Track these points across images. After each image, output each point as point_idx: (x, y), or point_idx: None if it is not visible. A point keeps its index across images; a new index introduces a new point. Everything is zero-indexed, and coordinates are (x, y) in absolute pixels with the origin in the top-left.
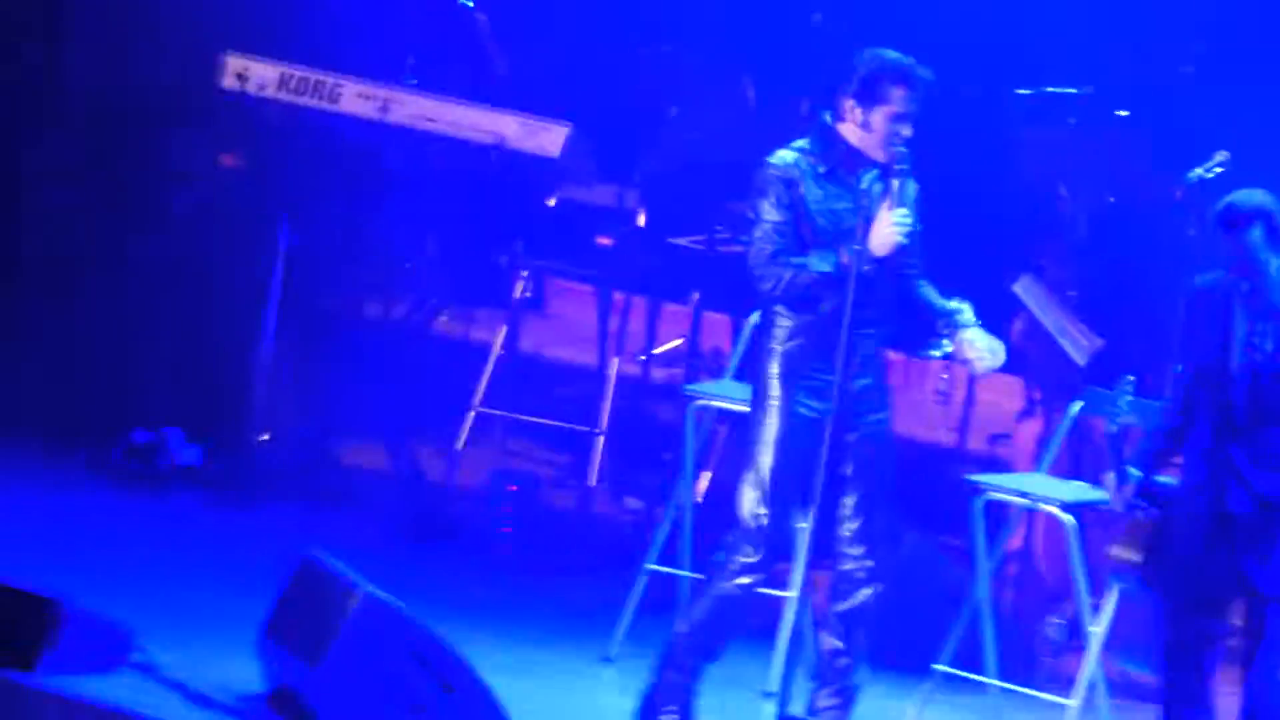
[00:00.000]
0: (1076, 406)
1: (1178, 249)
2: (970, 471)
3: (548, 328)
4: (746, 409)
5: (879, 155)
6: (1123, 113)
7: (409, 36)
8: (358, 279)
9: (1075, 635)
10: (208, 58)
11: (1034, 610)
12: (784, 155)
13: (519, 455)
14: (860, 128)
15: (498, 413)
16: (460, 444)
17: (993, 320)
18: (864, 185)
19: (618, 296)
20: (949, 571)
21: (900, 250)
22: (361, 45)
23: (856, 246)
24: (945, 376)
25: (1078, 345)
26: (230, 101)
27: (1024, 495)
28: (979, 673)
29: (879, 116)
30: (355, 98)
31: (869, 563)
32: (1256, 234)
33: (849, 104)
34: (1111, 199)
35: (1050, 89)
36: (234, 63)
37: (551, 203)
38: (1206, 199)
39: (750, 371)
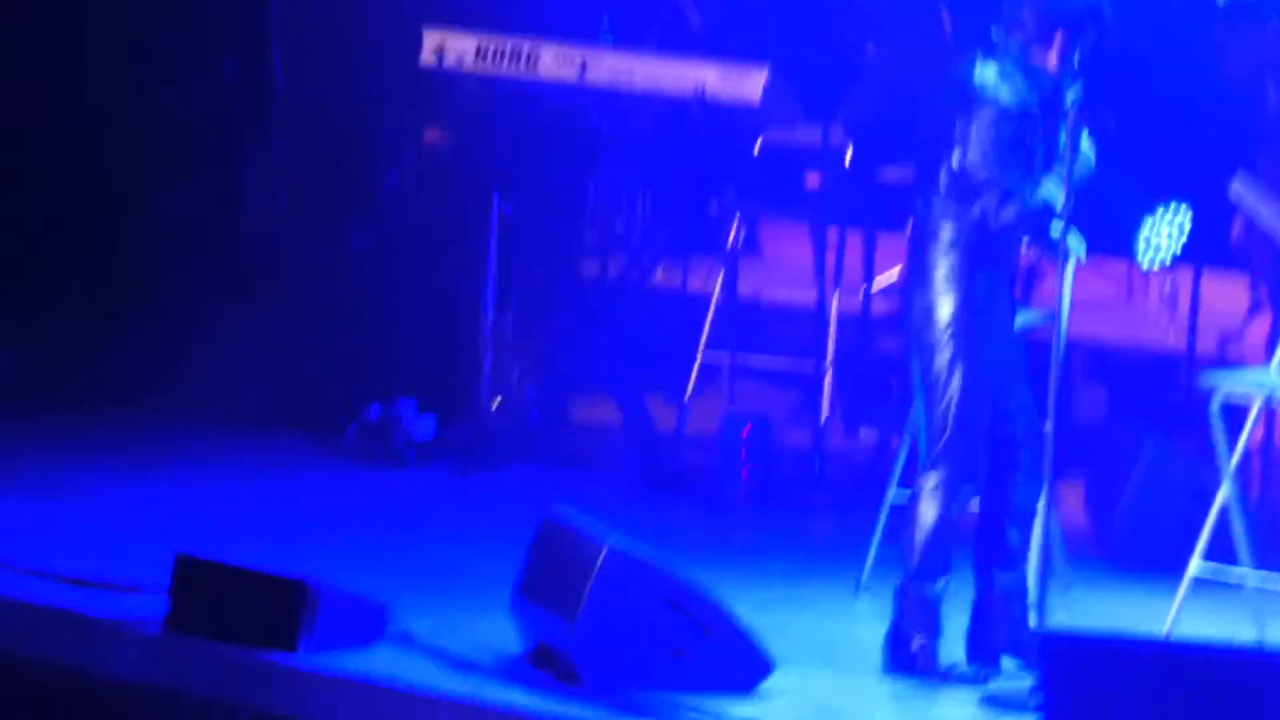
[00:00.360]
0: None
1: None
2: (1203, 374)
3: (764, 270)
4: None
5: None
6: None
7: None
8: (572, 241)
9: None
10: (404, 34)
11: None
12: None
13: (747, 398)
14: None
15: (723, 356)
16: (689, 393)
17: (1213, 222)
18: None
19: (831, 232)
20: (1193, 474)
21: None
22: (555, 7)
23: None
24: (1169, 281)
25: None
26: (430, 77)
27: (1261, 388)
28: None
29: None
30: (553, 62)
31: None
32: None
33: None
34: None
35: None
36: (431, 37)
37: (757, 147)
38: None
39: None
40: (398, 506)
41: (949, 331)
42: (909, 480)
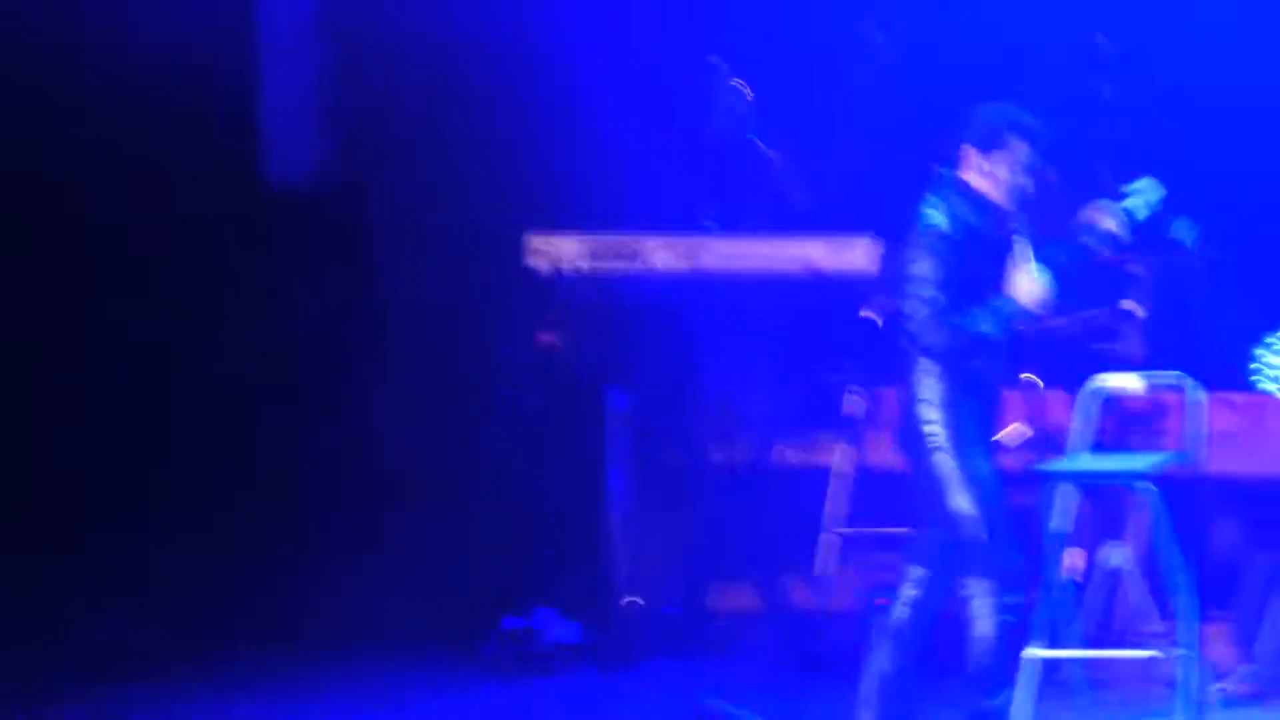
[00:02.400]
0: None
1: None
2: None
3: (886, 439)
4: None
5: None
6: None
7: (701, 183)
8: (697, 428)
9: None
10: (510, 242)
11: None
12: (939, 215)
13: (885, 570)
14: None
15: (851, 530)
16: (821, 569)
17: None
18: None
19: None
20: None
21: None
22: (658, 200)
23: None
24: None
25: None
26: (540, 281)
27: None
28: None
29: (1002, 166)
30: (660, 253)
31: None
32: None
33: (973, 153)
34: None
35: None
36: (537, 241)
37: (870, 315)
38: None
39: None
40: (550, 714)
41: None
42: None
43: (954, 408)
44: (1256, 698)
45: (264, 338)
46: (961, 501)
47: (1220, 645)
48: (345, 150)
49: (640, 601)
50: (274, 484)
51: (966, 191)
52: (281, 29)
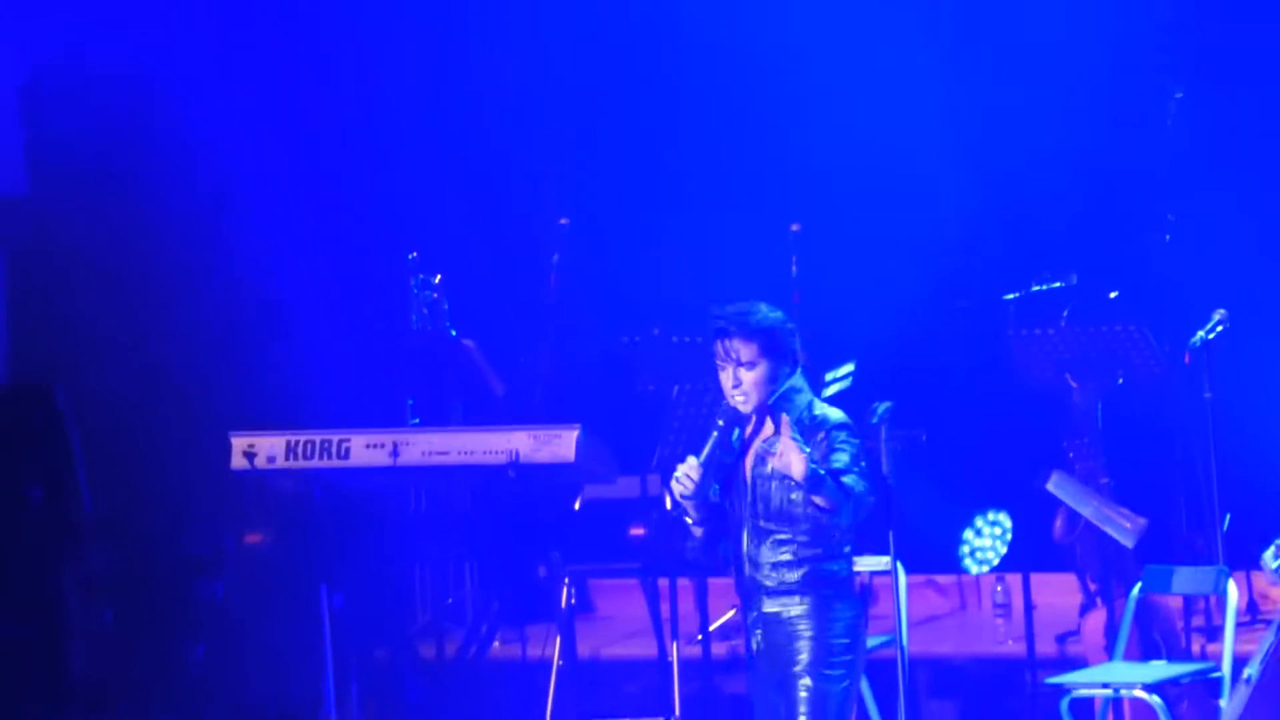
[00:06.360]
0: (1137, 588)
1: (1196, 414)
2: (1046, 675)
3: (601, 629)
4: None
5: None
6: (1113, 294)
7: (405, 379)
8: (406, 623)
9: None
10: (214, 442)
11: None
12: None
13: None
14: None
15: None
16: None
17: (1035, 520)
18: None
19: (662, 583)
20: None
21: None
22: (361, 399)
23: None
24: (1000, 589)
25: (1122, 529)
26: (243, 480)
27: (1107, 685)
28: None
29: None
30: (364, 449)
31: None
32: None
33: None
34: (1120, 380)
35: (1036, 287)
36: (239, 441)
37: (577, 505)
38: (1214, 359)
39: None
40: None
41: None
42: None
43: None
44: None
45: None
46: None
47: None
48: (36, 351)
49: None
50: None
51: None
52: None
